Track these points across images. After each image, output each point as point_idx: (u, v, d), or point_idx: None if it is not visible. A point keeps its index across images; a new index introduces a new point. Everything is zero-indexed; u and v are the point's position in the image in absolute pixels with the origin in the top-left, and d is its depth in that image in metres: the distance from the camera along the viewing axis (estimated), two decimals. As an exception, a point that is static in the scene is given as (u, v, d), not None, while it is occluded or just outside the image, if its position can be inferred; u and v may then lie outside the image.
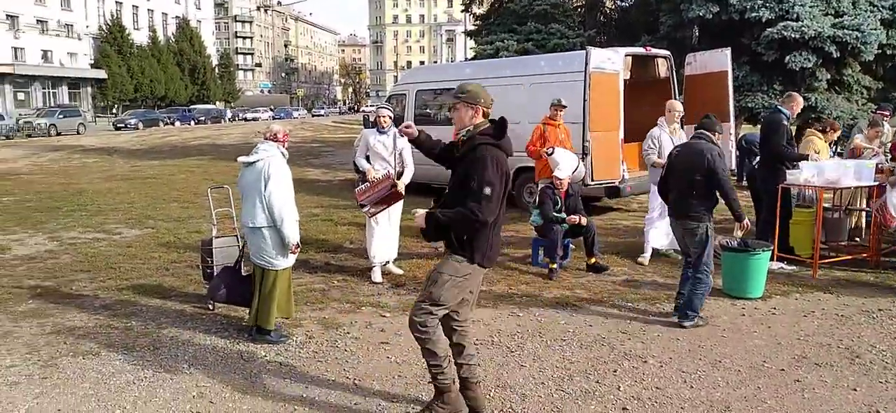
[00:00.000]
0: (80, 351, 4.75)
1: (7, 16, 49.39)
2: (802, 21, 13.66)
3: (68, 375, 4.35)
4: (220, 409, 3.89)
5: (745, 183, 13.31)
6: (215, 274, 5.53)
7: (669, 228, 7.37)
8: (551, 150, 7.40)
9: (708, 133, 5.45)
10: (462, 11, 26.18)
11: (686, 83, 10.10)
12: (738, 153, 11.56)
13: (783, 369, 4.43)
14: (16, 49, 50.24)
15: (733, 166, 10.45)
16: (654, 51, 10.75)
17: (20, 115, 41.03)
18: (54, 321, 5.42)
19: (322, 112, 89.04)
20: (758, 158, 8.45)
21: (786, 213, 7.17)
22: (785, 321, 5.38)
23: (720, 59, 9.62)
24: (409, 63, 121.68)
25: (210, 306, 5.61)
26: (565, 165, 7.09)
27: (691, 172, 5.27)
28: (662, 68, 10.81)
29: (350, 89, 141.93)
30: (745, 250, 5.99)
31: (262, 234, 4.77)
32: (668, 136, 7.21)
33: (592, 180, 8.75)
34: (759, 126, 16.61)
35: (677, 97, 10.43)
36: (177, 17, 68.65)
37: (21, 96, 49.28)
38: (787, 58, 13.73)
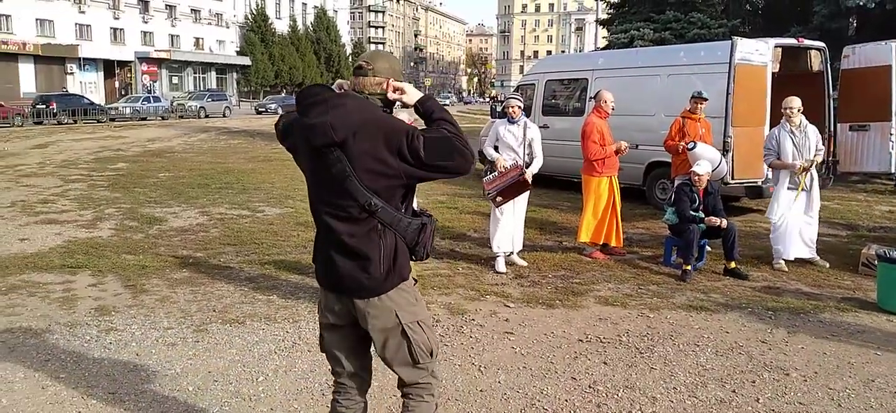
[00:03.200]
0: (228, 319, 5.11)
1: (166, 5, 53.85)
2: (984, 10, 12.26)
3: (217, 340, 4.69)
4: (352, 385, 4.04)
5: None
6: None
7: (802, 234, 6.87)
8: (692, 144, 7.09)
9: None
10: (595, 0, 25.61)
11: (842, 78, 9.35)
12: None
13: (949, 396, 4.01)
14: (172, 36, 54.70)
15: (892, 169, 9.56)
16: (808, 42, 10.01)
17: (174, 97, 44.67)
18: (205, 289, 5.86)
19: (447, 102, 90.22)
20: None
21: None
22: (952, 343, 4.87)
23: (883, 53, 8.83)
24: (535, 53, 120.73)
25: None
26: (706, 161, 6.77)
27: None
28: (816, 61, 10.05)
29: (475, 79, 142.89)
30: (906, 262, 5.47)
31: None
32: (788, 135, 6.70)
33: (733, 179, 8.30)
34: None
35: (831, 93, 9.68)
36: (315, 7, 71.96)
37: (175, 80, 53.68)
38: (963, 51, 12.35)
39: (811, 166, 6.74)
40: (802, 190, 6.81)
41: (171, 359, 4.37)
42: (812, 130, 6.82)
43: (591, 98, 7.63)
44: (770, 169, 6.93)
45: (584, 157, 7.22)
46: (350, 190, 2.35)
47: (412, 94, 2.54)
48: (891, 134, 8.85)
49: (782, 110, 6.77)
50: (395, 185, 2.39)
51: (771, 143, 6.83)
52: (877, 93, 8.80)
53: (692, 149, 7.01)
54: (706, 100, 7.65)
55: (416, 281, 2.60)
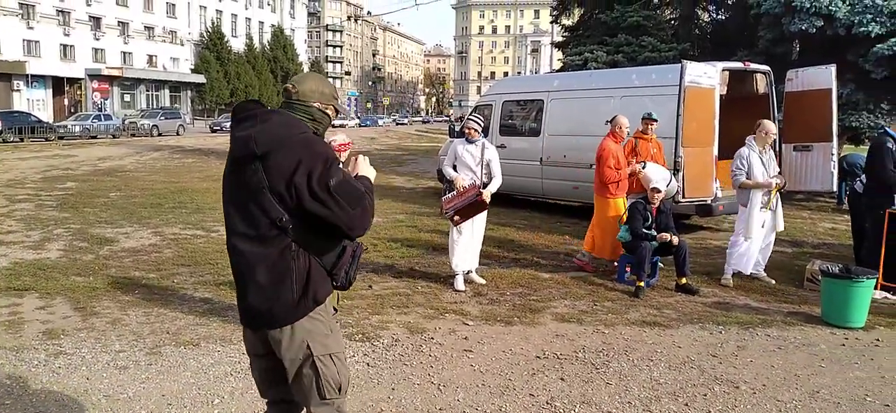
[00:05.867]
0: (182, 341, 5.02)
1: (119, 22, 52.82)
2: (918, 37, 12.89)
3: (171, 363, 4.60)
4: (310, 405, 4.02)
5: (845, 206, 12.67)
6: None
7: (755, 253, 7.11)
8: (642, 164, 7.28)
9: None
10: (550, 22, 26.12)
11: (786, 100, 9.70)
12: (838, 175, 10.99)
13: (888, 405, 4.18)
14: (125, 54, 53.61)
15: (834, 188, 9.95)
16: (753, 66, 10.39)
17: (126, 115, 43.68)
18: (158, 311, 5.74)
19: (405, 121, 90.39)
20: (858, 181, 8.03)
21: (894, 239, 6.76)
22: (890, 354, 5.08)
23: (824, 77, 9.20)
24: (492, 74, 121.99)
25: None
26: (658, 181, 6.97)
27: None
28: (761, 84, 10.43)
29: (433, 99, 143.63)
30: (847, 277, 5.69)
31: None
32: (757, 157, 6.96)
33: (684, 197, 8.52)
34: (861, 147, 15.79)
35: (776, 114, 10.04)
36: (272, 25, 71.49)
37: (127, 98, 52.47)
38: (899, 75, 12.98)
39: (781, 186, 7.04)
40: (768, 208, 7.05)
41: (123, 383, 4.27)
42: (772, 154, 7.14)
43: (607, 122, 7.83)
44: (739, 188, 7.11)
45: (598, 179, 7.42)
46: (263, 204, 2.31)
47: (361, 171, 2.64)
48: (832, 154, 9.21)
49: (762, 134, 7.00)
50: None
51: (741, 163, 7.02)
52: (819, 115, 9.15)
53: (643, 169, 7.21)
54: (656, 121, 7.86)
55: (336, 310, 2.61)
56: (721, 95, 9.09)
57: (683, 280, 6.72)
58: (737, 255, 7.11)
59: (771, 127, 7.08)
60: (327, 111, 2.56)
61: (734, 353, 5.04)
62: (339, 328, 2.58)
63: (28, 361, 4.58)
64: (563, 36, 23.31)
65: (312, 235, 2.37)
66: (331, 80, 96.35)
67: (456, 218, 6.49)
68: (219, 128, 46.36)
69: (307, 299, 2.38)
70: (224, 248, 7.80)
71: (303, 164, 2.28)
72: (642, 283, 6.55)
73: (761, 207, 7.03)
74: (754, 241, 7.06)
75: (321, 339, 2.44)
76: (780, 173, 7.20)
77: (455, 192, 6.51)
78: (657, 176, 7.11)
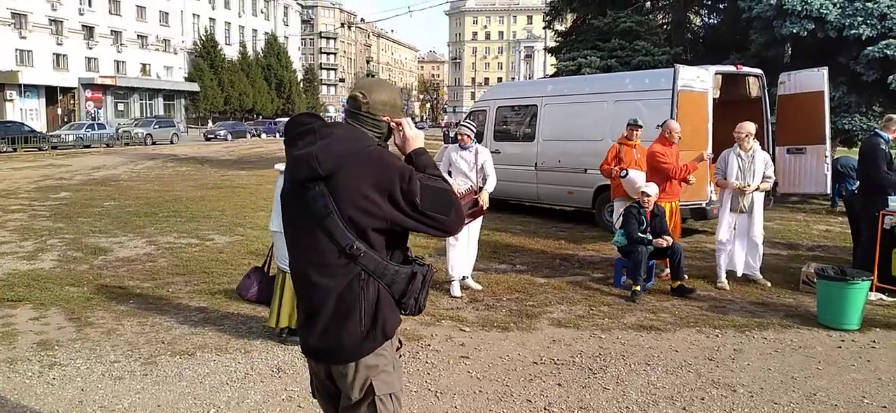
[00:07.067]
0: (177, 351, 5.00)
1: (112, 31, 52.71)
2: (907, 39, 12.96)
3: (166, 373, 4.58)
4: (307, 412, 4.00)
5: (838, 208, 12.71)
6: (246, 274, 5.70)
7: (743, 251, 7.13)
8: (624, 171, 7.32)
9: None
10: (543, 28, 26.16)
11: (779, 103, 9.75)
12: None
13: (885, 407, 4.18)
14: (118, 62, 53.50)
15: (828, 190, 9.99)
16: (746, 69, 10.42)
17: (119, 124, 43.57)
18: (153, 321, 5.71)
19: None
20: (857, 183, 8.06)
21: (888, 241, 6.78)
22: (886, 356, 5.08)
23: (816, 79, 9.25)
24: (487, 79, 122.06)
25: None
26: (644, 184, 7.00)
27: None
28: (754, 87, 10.47)
29: (428, 105, 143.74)
30: (842, 279, 5.71)
31: (281, 238, 4.91)
32: (735, 158, 6.99)
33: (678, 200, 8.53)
34: (853, 149, 15.87)
35: (769, 117, 10.09)
36: (266, 33, 71.48)
37: (120, 107, 52.35)
38: (890, 78, 13.05)
39: (750, 190, 6.98)
40: (741, 211, 7.06)
41: (118, 393, 4.24)
42: (760, 157, 7.09)
43: (657, 126, 7.83)
44: (718, 188, 7.21)
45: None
46: (331, 230, 2.09)
47: (412, 140, 2.31)
48: (825, 156, 9.24)
49: (735, 134, 7.04)
50: (380, 229, 2.13)
51: (720, 164, 7.14)
52: (811, 117, 9.20)
53: (624, 176, 7.24)
54: (641, 127, 7.89)
55: (401, 345, 2.41)
56: (714, 99, 9.12)
57: (678, 283, 6.72)
58: (725, 257, 7.15)
59: (743, 126, 7.02)
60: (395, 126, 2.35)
61: (731, 356, 5.04)
62: (400, 364, 2.41)
63: (22, 373, 4.55)
64: (556, 41, 23.33)
65: (386, 261, 2.17)
66: (325, 88, 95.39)
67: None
68: (213, 136, 46.32)
69: (376, 332, 2.19)
70: (219, 256, 7.81)
71: (378, 184, 2.08)
72: (638, 287, 6.56)
73: (731, 210, 7.07)
74: (730, 241, 7.09)
75: (384, 377, 2.25)
76: (767, 177, 7.14)
77: (451, 198, 6.50)
78: (642, 181, 7.15)
